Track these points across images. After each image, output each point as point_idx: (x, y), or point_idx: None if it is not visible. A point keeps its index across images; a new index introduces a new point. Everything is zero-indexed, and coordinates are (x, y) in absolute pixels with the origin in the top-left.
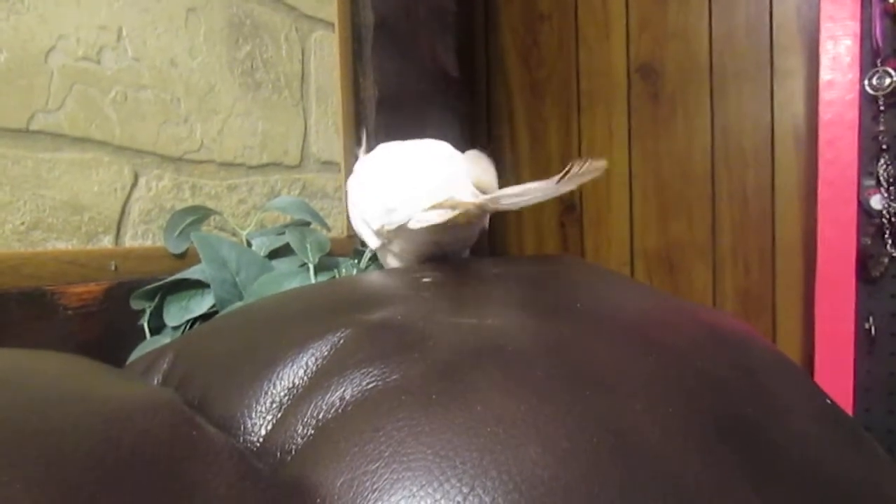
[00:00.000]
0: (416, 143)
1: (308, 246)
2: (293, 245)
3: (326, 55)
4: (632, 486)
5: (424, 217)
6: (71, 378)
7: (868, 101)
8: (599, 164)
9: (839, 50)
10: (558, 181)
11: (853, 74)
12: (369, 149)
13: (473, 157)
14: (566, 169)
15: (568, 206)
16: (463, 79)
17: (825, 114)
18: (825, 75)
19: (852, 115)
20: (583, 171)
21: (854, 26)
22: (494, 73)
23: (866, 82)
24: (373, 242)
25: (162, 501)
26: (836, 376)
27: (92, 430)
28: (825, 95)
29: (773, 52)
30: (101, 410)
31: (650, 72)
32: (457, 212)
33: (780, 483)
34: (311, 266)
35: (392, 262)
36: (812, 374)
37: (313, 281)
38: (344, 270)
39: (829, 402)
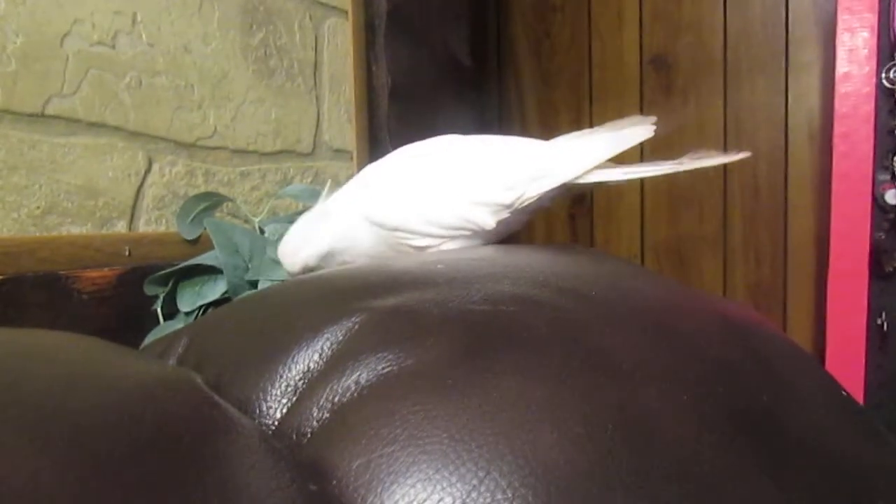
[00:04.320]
0: (438, 139)
1: None
2: None
3: (339, 43)
4: (646, 471)
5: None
6: (90, 357)
7: (885, 95)
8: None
9: (856, 42)
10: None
11: (870, 67)
12: (379, 141)
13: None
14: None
15: (578, 198)
16: (475, 68)
17: (840, 107)
18: (841, 68)
19: (868, 108)
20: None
21: (871, 18)
22: (506, 63)
23: (883, 75)
24: (489, 222)
25: (187, 476)
26: (847, 372)
27: (114, 407)
28: (841, 88)
29: (789, 45)
30: (123, 388)
31: (663, 64)
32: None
33: (793, 470)
34: None
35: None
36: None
37: None
38: None
39: (841, 391)
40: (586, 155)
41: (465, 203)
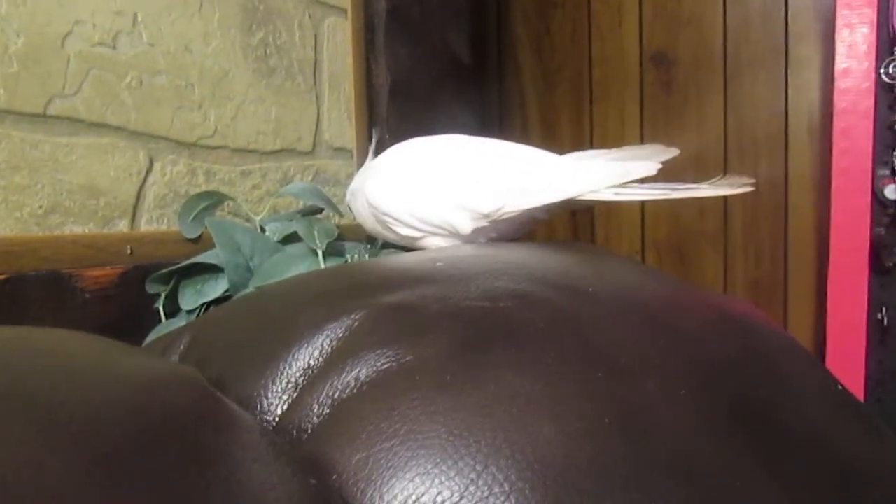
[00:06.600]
0: (442, 137)
1: (315, 233)
2: (301, 233)
3: (339, 42)
4: (643, 465)
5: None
6: (94, 353)
7: (884, 90)
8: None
9: (855, 38)
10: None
11: (869, 63)
12: (379, 139)
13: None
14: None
15: None
16: (475, 66)
17: (840, 102)
18: (841, 63)
19: (868, 103)
20: (729, 184)
21: (871, 14)
22: (506, 61)
23: (882, 71)
24: (467, 227)
25: (190, 469)
26: (847, 367)
27: (119, 402)
28: (840, 84)
29: (788, 40)
30: (127, 383)
31: (663, 60)
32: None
33: (791, 464)
34: (319, 252)
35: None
36: (823, 364)
37: (322, 264)
38: (356, 255)
39: (838, 385)
40: (581, 179)
41: (449, 205)
